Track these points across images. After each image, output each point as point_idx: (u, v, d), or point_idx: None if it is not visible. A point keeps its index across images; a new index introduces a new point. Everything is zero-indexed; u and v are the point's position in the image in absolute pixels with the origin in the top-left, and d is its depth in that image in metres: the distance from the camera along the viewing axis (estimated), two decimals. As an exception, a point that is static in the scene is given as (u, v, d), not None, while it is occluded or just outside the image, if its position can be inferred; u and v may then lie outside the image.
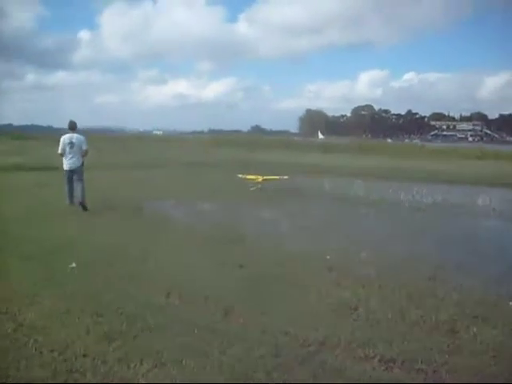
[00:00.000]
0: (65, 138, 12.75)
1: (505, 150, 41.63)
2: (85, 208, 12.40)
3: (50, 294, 6.11)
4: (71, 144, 12.69)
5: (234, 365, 4.50)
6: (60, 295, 6.10)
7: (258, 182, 18.02)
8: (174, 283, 6.70)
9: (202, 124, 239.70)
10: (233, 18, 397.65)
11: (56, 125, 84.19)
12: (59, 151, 12.80)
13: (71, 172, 12.72)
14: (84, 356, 4.51)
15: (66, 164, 12.75)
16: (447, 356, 4.91)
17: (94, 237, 9.49)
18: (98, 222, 10.99)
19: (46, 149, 31.17)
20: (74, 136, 12.81)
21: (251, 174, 18.89)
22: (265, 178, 18.25)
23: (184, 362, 4.49)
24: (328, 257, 8.59)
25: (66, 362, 4.40)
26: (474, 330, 5.58)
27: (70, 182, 12.75)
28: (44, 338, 4.83)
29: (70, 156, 12.70)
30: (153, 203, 14.35)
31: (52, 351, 4.56)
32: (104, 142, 37.79)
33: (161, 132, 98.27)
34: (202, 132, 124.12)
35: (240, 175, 19.13)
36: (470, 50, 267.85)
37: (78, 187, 12.62)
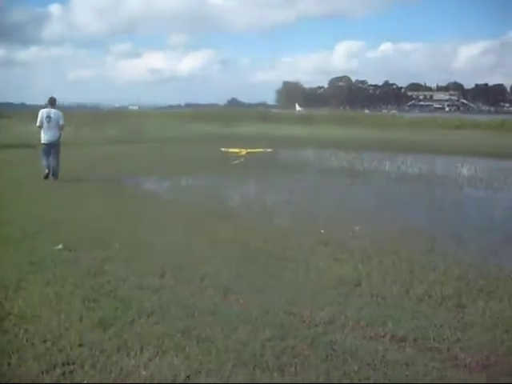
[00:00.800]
0: (43, 112, 13.21)
1: (482, 120, 41.80)
2: (56, 177, 12.94)
3: (36, 279, 5.76)
4: (49, 118, 13.11)
5: (240, 349, 4.24)
6: (47, 280, 5.74)
7: (241, 156, 17.72)
8: (166, 262, 6.40)
9: (177, 98, 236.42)
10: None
11: (29, 102, 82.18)
12: (37, 124, 13.26)
13: (49, 146, 13.09)
14: (80, 346, 4.19)
15: (44, 137, 13.17)
16: (459, 333, 4.71)
17: (76, 216, 9.10)
18: (79, 200, 10.59)
19: (18, 127, 30.38)
20: (52, 111, 13.26)
21: (234, 148, 18.56)
22: (248, 151, 17.96)
23: (187, 348, 4.21)
24: (322, 231, 8.37)
25: (61, 352, 4.07)
26: (482, 304, 5.40)
27: (47, 155, 13.11)
28: (35, 328, 4.49)
29: (48, 130, 13.13)
30: (134, 179, 13.97)
31: (45, 341, 4.23)
32: (79, 118, 36.84)
33: (136, 107, 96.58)
34: (178, 106, 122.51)
35: (223, 149, 18.80)
36: (444, 20, 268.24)
37: (53, 160, 13.05)
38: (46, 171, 13.08)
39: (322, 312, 5.04)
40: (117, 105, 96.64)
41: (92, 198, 10.95)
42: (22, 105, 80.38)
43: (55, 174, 13.02)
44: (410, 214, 10.23)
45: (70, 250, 6.91)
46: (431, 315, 5.10)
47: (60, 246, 6.97)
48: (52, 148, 13.10)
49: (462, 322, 4.96)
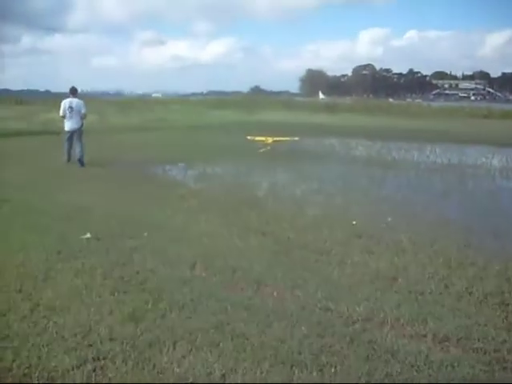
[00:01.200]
0: (65, 103, 14.03)
1: (510, 109, 40.88)
2: (82, 164, 13.55)
3: (65, 269, 5.65)
4: (71, 108, 13.92)
5: (277, 347, 4.06)
6: (76, 270, 5.63)
7: (268, 144, 17.49)
8: (196, 253, 6.24)
9: (201, 85, 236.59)
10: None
11: (54, 89, 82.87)
12: (60, 114, 14.13)
13: (71, 133, 13.93)
14: (110, 340, 4.05)
15: (67, 126, 14.01)
16: (505, 333, 4.46)
17: (104, 204, 8.99)
18: (106, 188, 10.49)
19: (44, 114, 30.49)
20: (74, 101, 14.05)
21: (260, 136, 18.33)
22: (275, 139, 17.72)
23: (221, 345, 4.04)
24: (354, 222, 8.14)
25: (92, 346, 3.94)
26: (527, 302, 5.14)
27: (70, 141, 13.94)
28: (64, 320, 4.37)
29: (70, 118, 13.94)
30: (161, 167, 13.81)
31: (75, 335, 4.10)
32: (103, 105, 36.93)
33: (160, 94, 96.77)
34: (201, 94, 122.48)
35: (249, 137, 18.58)
36: (470, 8, 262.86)
37: (77, 147, 13.81)
38: (66, 157, 13.90)
39: (360, 308, 4.83)
40: (140, 92, 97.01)
41: (119, 185, 10.86)
42: (47, 92, 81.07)
43: (81, 161, 13.64)
44: (444, 206, 9.93)
45: (99, 239, 6.80)
46: (473, 313, 4.87)
47: (88, 235, 6.85)
48: (75, 135, 13.90)
49: (507, 322, 4.72)
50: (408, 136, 24.08)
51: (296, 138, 18.27)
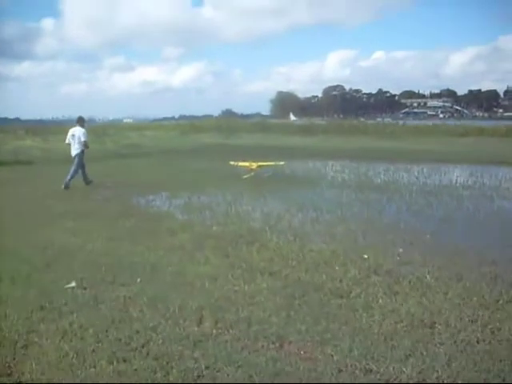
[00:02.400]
0: (70, 131, 15.23)
1: (486, 126, 40.98)
2: (66, 186, 14.28)
3: (49, 330, 4.77)
4: (73, 136, 15.02)
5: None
6: (63, 331, 4.75)
7: (252, 169, 16.75)
8: (201, 303, 5.43)
9: (172, 110, 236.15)
10: (197, 2, 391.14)
11: (23, 116, 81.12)
12: (66, 141, 15.30)
13: (74, 158, 14.96)
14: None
15: (71, 152, 15.08)
16: None
17: (87, 243, 8.08)
18: (88, 223, 9.58)
19: (14, 142, 29.35)
20: (77, 129, 15.06)
21: (243, 161, 17.60)
22: (259, 164, 16.99)
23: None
24: (365, 256, 7.41)
25: None
26: None
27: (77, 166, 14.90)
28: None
29: (73, 146, 15.03)
30: (146, 197, 12.94)
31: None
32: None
33: (131, 120, 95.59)
34: (172, 118, 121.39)
35: (232, 162, 17.81)
36: (434, 28, 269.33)
37: (72, 169, 14.78)
38: (84, 180, 15.05)
39: (407, 368, 4.09)
40: (111, 118, 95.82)
41: (101, 220, 9.94)
42: (17, 119, 79.30)
43: (66, 182, 14.42)
44: (452, 232, 9.28)
45: (85, 288, 5.93)
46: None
47: (73, 284, 5.99)
48: (74, 159, 14.95)
49: None
50: (391, 157, 23.66)
51: (282, 163, 17.59)
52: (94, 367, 4.06)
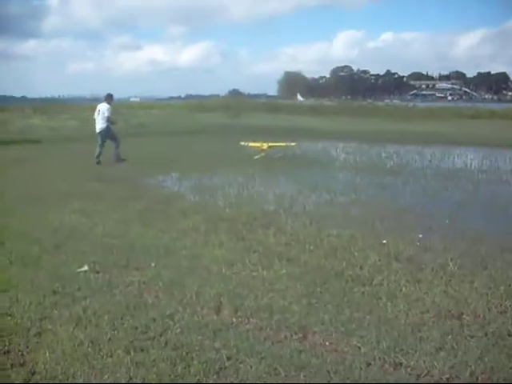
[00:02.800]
0: (97, 107, 15.66)
1: (497, 109, 40.52)
2: (117, 159, 15.25)
3: (63, 317, 4.59)
4: (98, 111, 15.49)
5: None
6: (77, 317, 4.56)
7: (263, 150, 16.51)
8: (218, 289, 5.24)
9: (179, 89, 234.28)
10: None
11: (30, 95, 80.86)
12: (94, 116, 15.74)
13: (99, 134, 15.46)
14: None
15: (96, 127, 15.59)
16: None
17: (98, 224, 7.87)
18: (98, 204, 9.36)
19: (21, 120, 29.13)
20: (102, 105, 15.51)
21: (253, 141, 17.33)
22: (270, 144, 16.73)
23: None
24: (384, 241, 7.19)
25: None
26: None
27: (99, 143, 15.39)
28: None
29: (98, 121, 15.49)
30: (154, 179, 12.72)
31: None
32: (83, 111, 35.58)
33: (138, 99, 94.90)
34: (179, 98, 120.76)
35: (242, 142, 17.54)
36: (443, 9, 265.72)
37: (100, 146, 15.39)
38: (97, 158, 15.11)
39: (438, 362, 3.88)
40: (117, 97, 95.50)
41: (112, 201, 9.73)
42: (23, 98, 78.90)
43: (116, 155, 15.36)
44: (470, 217, 9.03)
45: (98, 272, 5.74)
46: None
47: (85, 268, 5.80)
48: (100, 135, 15.44)
49: None
50: (402, 139, 23.30)
51: (293, 144, 17.31)
52: (111, 357, 3.88)
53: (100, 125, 15.39)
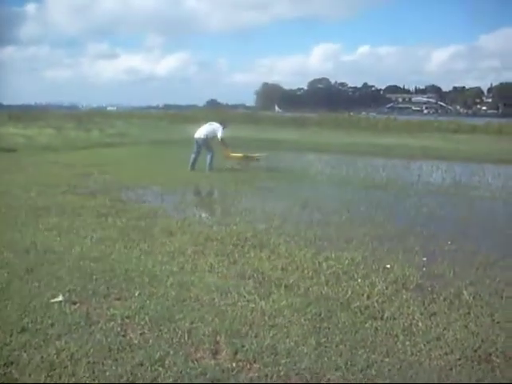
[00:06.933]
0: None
1: (477, 123, 40.55)
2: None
3: (34, 361, 3.90)
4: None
5: None
6: (50, 362, 3.88)
7: (241, 160, 16.47)
8: (213, 325, 4.61)
9: (156, 99, 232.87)
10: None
11: (5, 101, 79.15)
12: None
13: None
14: None
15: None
16: None
17: (74, 244, 7.16)
18: (74, 220, 8.64)
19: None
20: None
21: (235, 153, 16.90)
22: (247, 155, 16.71)
23: None
24: (388, 265, 6.63)
25: None
26: None
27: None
28: None
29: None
30: (136, 191, 11.99)
31: None
32: (60, 118, 34.75)
33: (115, 108, 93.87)
34: (157, 107, 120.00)
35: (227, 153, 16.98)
36: (418, 24, 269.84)
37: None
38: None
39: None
40: (94, 105, 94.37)
41: (90, 216, 9.00)
42: (-1, 105, 77.32)
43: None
44: (473, 239, 8.45)
45: (75, 303, 5.06)
46: None
47: (60, 298, 5.11)
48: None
49: None
50: (387, 152, 22.97)
51: (264, 154, 17.15)
52: (91, 418, 3.21)
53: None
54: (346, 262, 6.73)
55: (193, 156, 15.83)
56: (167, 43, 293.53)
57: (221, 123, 16.18)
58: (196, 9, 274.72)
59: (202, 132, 15.87)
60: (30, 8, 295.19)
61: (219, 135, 15.77)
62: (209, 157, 15.70)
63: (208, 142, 15.84)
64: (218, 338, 4.34)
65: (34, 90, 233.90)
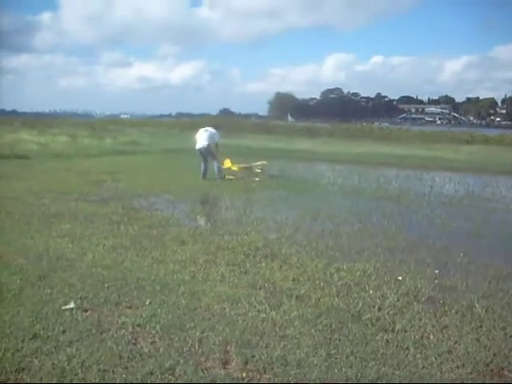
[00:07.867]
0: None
1: (491, 135, 40.35)
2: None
3: (45, 367, 3.92)
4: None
5: None
6: (61, 370, 3.90)
7: (250, 169, 16.71)
8: (224, 334, 4.61)
9: (169, 107, 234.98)
10: (195, 3, 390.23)
11: (20, 109, 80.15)
12: None
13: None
14: None
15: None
16: None
17: (87, 252, 7.21)
18: (86, 228, 8.68)
19: (10, 135, 28.44)
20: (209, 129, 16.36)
21: (245, 164, 17.03)
22: (256, 164, 16.84)
23: None
24: (399, 277, 6.60)
25: None
26: None
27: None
28: None
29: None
30: (148, 199, 12.06)
31: None
32: (74, 127, 35.05)
33: (128, 116, 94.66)
34: (169, 115, 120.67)
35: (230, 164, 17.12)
36: (431, 34, 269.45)
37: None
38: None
39: None
40: (108, 113, 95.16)
41: (101, 224, 9.06)
42: (13, 112, 78.21)
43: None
44: (486, 251, 8.45)
45: (86, 311, 5.08)
46: None
47: (72, 305, 5.14)
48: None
49: None
50: (400, 163, 22.93)
51: (264, 162, 17.34)
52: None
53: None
54: (358, 273, 6.70)
55: (202, 165, 15.86)
56: (180, 52, 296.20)
57: (214, 127, 16.43)
58: (209, 18, 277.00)
59: (202, 141, 15.87)
60: (45, 17, 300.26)
61: (217, 139, 16.04)
62: (216, 165, 15.87)
63: (211, 150, 15.92)
64: (229, 347, 4.34)
65: (48, 97, 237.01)
